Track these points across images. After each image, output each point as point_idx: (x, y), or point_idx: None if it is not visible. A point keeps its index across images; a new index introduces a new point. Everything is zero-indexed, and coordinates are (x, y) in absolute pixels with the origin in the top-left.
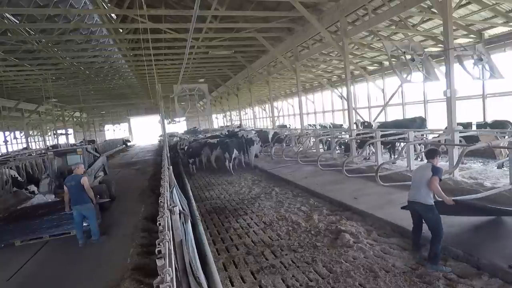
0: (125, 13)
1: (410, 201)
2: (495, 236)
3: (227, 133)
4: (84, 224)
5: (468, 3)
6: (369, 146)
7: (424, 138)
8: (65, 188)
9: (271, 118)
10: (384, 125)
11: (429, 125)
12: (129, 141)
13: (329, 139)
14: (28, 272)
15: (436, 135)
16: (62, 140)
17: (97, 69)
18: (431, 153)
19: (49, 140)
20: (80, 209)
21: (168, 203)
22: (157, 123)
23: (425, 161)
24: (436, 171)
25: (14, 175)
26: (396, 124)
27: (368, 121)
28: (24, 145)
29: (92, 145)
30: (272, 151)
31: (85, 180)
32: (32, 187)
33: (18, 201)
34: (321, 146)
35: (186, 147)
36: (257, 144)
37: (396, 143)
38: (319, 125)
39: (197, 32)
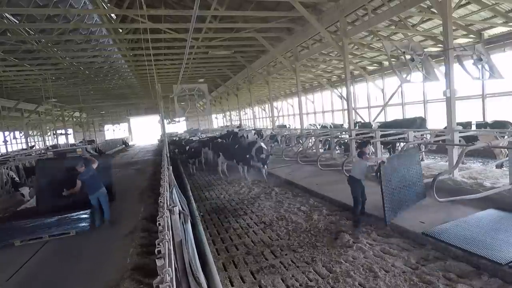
0: (125, 13)
1: None
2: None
3: (226, 133)
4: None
5: (468, 3)
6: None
7: (424, 138)
8: (78, 182)
9: (270, 118)
10: (384, 125)
11: (429, 125)
12: (127, 144)
13: (329, 139)
14: (28, 272)
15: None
16: (62, 140)
17: (97, 69)
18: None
19: (48, 140)
20: (98, 195)
21: (168, 203)
22: (156, 123)
23: (426, 161)
24: None
25: (12, 175)
26: (396, 124)
27: (361, 121)
28: (24, 145)
29: (92, 145)
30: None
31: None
32: (25, 189)
33: (14, 202)
34: (321, 146)
35: (188, 147)
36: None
37: (397, 143)
38: (319, 125)
39: (197, 32)
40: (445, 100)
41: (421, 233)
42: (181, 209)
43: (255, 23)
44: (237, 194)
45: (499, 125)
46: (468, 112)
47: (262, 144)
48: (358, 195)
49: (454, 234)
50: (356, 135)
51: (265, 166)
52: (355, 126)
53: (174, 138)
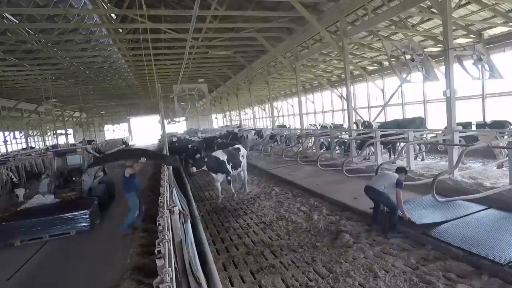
0: (125, 13)
1: None
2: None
3: (225, 132)
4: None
5: (468, 3)
6: (369, 146)
7: (424, 138)
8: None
9: (270, 118)
10: (383, 125)
11: (429, 125)
12: (127, 144)
13: (329, 139)
14: (27, 272)
15: (434, 135)
16: (61, 140)
17: (97, 69)
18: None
19: (48, 140)
20: (127, 198)
21: (168, 203)
22: (157, 123)
23: (425, 161)
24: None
25: (11, 176)
26: (395, 124)
27: (368, 120)
28: (24, 145)
29: (92, 145)
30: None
31: (127, 172)
32: (20, 190)
33: (13, 202)
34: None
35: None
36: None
37: (397, 143)
38: (319, 125)
39: (197, 32)
40: (445, 100)
41: (421, 233)
42: (181, 209)
43: (255, 23)
44: (237, 194)
45: (498, 125)
46: (468, 112)
47: (219, 155)
48: (390, 202)
49: (454, 234)
50: (357, 135)
51: (228, 178)
52: (362, 126)
53: (173, 139)
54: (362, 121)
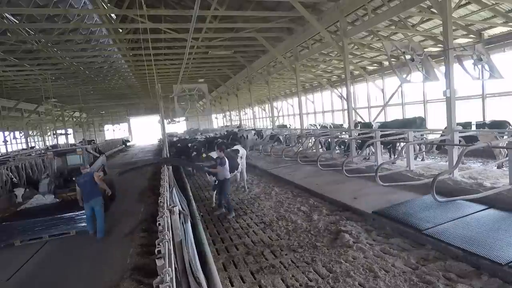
0: (125, 13)
1: None
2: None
3: (225, 133)
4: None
5: (468, 3)
6: (369, 146)
7: (424, 138)
8: (77, 187)
9: (270, 118)
10: (383, 125)
11: (429, 125)
12: (126, 144)
13: (329, 139)
14: (27, 272)
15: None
16: (61, 140)
17: (97, 69)
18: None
19: (48, 140)
20: (93, 204)
21: (168, 203)
22: (156, 123)
23: (426, 161)
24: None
25: (10, 176)
26: (396, 124)
27: (361, 121)
28: (24, 145)
29: (92, 145)
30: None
31: (97, 175)
32: (19, 190)
33: (13, 202)
34: (320, 146)
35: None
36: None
37: (397, 143)
38: (319, 125)
39: (197, 32)
40: (445, 100)
41: (421, 233)
42: (181, 209)
43: (255, 23)
44: (237, 194)
45: (497, 125)
46: (468, 112)
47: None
48: None
49: (454, 234)
50: (358, 135)
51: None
52: (356, 126)
53: (175, 139)
54: (356, 121)
